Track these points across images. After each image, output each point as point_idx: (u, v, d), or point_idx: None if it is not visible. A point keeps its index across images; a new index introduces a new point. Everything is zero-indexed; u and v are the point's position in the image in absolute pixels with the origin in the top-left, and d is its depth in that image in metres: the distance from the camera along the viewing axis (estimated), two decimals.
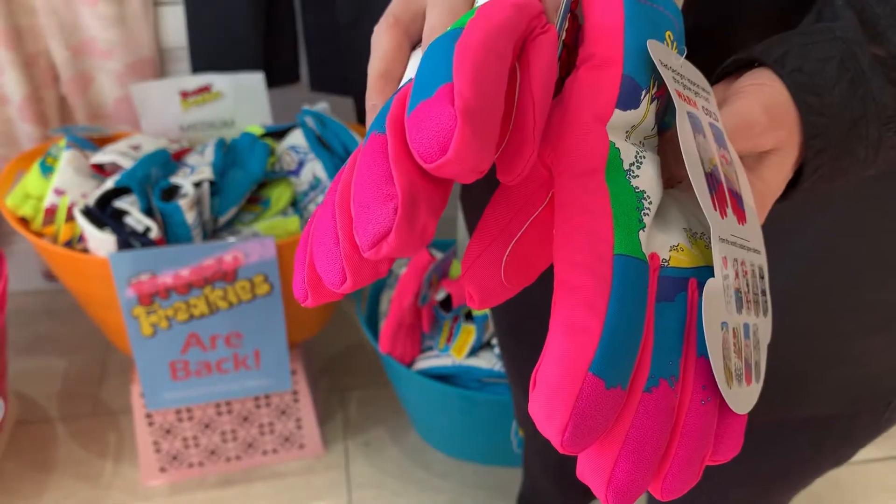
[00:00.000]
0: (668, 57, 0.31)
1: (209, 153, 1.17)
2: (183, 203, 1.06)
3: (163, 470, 1.33)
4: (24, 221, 1.13)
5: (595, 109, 0.30)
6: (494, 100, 0.25)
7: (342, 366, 1.60)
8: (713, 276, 0.28)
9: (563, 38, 0.32)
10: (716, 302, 0.28)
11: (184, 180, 1.10)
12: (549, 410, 0.25)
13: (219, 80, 1.25)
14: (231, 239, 1.12)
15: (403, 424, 1.47)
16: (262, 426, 1.33)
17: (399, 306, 1.24)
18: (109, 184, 1.07)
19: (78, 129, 1.25)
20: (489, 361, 1.27)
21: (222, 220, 1.15)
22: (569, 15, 0.32)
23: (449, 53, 0.26)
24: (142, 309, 1.10)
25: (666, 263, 0.29)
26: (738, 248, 0.30)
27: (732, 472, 0.60)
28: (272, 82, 1.42)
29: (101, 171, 1.16)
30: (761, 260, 0.32)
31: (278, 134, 1.27)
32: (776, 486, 0.66)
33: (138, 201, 1.06)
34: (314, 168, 1.21)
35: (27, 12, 1.30)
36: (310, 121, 1.23)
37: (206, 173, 1.12)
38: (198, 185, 1.11)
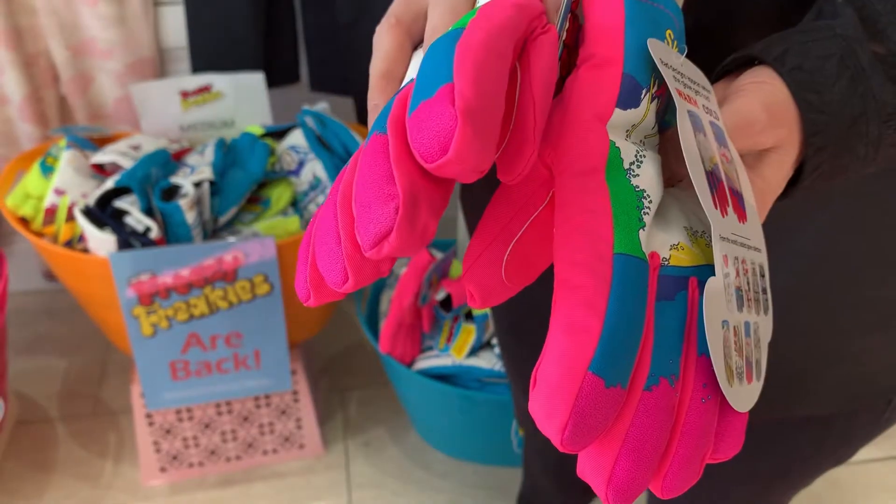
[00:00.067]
0: (669, 56, 0.31)
1: (209, 153, 1.17)
2: (183, 203, 1.06)
3: (163, 470, 1.33)
4: (24, 221, 1.13)
5: (595, 109, 0.30)
6: (495, 100, 0.25)
7: (342, 366, 1.60)
8: (714, 274, 0.28)
9: (564, 38, 0.32)
10: (717, 300, 0.28)
11: (184, 180, 1.10)
12: (549, 409, 0.25)
13: (219, 80, 1.25)
14: (231, 239, 1.12)
15: (403, 424, 1.47)
16: (262, 426, 1.33)
17: (399, 306, 1.24)
18: (109, 184, 1.07)
19: (78, 129, 1.25)
20: (489, 361, 1.27)
21: (222, 220, 1.15)
22: (569, 15, 0.32)
23: (450, 54, 0.26)
24: (142, 309, 1.10)
25: (666, 262, 0.29)
26: (739, 247, 0.30)
27: (733, 470, 0.60)
28: (272, 82, 1.42)
29: (101, 171, 1.16)
30: (762, 258, 0.32)
31: (278, 134, 1.27)
32: (776, 484, 0.66)
33: (138, 201, 1.06)
34: (314, 168, 1.21)
35: (27, 12, 1.30)
36: (310, 121, 1.23)
37: (206, 173, 1.12)
38: (198, 184, 1.11)
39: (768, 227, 0.34)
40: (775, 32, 0.35)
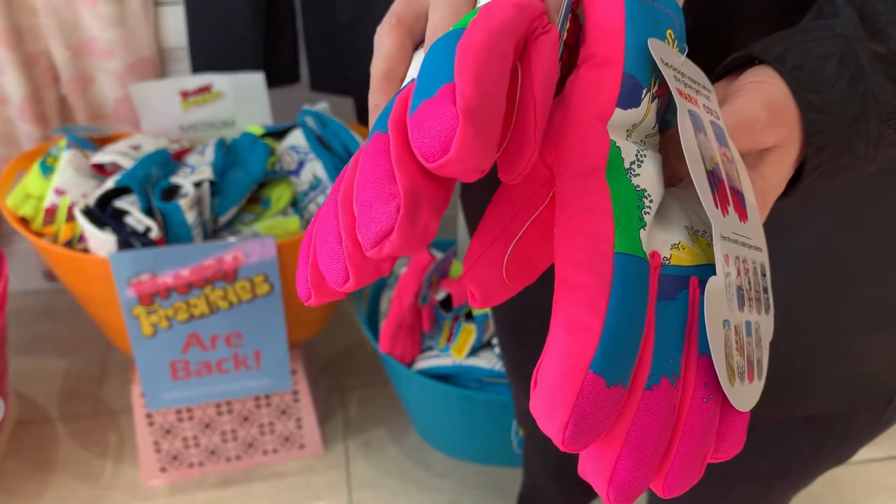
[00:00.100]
0: (669, 55, 0.31)
1: (209, 153, 1.17)
2: (183, 203, 1.06)
3: (163, 470, 1.33)
4: (24, 221, 1.13)
5: (596, 108, 0.30)
6: (496, 99, 0.25)
7: (342, 366, 1.60)
8: (715, 273, 0.28)
9: (565, 37, 0.32)
10: (718, 300, 0.28)
11: (184, 180, 1.10)
12: (550, 409, 0.25)
13: (219, 80, 1.25)
14: (231, 239, 1.12)
15: (403, 424, 1.47)
16: (262, 426, 1.33)
17: (399, 306, 1.24)
18: (110, 184, 1.07)
19: (78, 129, 1.25)
20: (489, 361, 1.27)
21: (222, 219, 1.15)
22: (570, 15, 0.32)
23: (451, 53, 0.26)
24: (142, 309, 1.10)
25: (667, 262, 0.29)
26: (740, 246, 0.30)
27: (733, 470, 0.60)
28: (272, 82, 1.42)
29: (101, 170, 1.16)
30: (763, 257, 0.32)
31: (278, 134, 1.27)
32: (776, 484, 0.66)
33: (138, 201, 1.06)
34: (314, 168, 1.21)
35: (27, 12, 1.30)
36: (310, 121, 1.23)
37: (206, 173, 1.12)
38: (198, 184, 1.11)
39: (769, 226, 0.34)
40: (775, 32, 0.35)
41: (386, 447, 1.43)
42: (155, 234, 1.06)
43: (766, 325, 0.31)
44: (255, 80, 1.25)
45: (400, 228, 0.25)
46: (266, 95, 1.27)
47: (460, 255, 1.47)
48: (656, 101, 0.32)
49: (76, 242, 1.10)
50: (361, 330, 1.65)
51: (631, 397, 0.26)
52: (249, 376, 1.23)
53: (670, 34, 0.32)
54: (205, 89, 1.25)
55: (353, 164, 0.29)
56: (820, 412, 0.58)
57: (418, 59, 0.34)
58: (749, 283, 0.30)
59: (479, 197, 0.64)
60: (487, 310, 1.23)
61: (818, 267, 0.50)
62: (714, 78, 0.37)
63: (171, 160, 1.17)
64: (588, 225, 0.28)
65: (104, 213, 1.06)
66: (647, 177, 0.30)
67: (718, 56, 0.38)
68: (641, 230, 0.28)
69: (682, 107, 0.29)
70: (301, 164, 1.22)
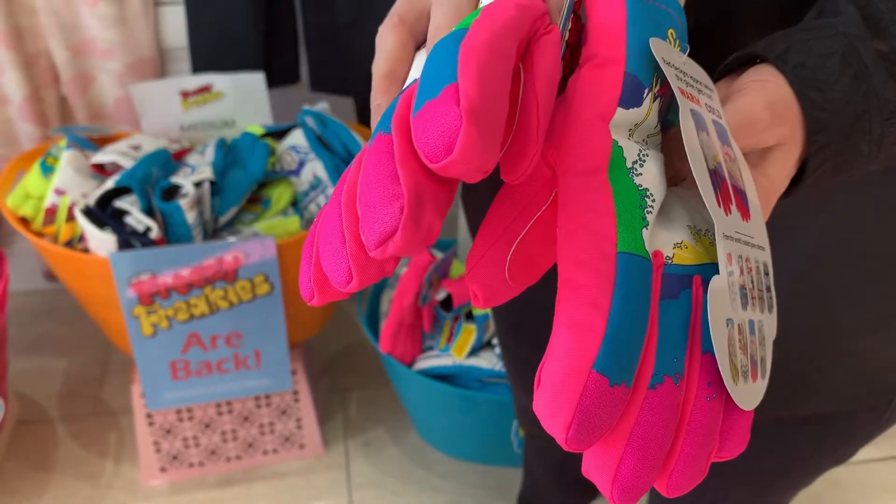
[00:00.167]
0: (671, 55, 0.31)
1: (209, 153, 1.17)
2: (183, 203, 1.06)
3: (163, 470, 1.33)
4: (24, 221, 1.13)
5: (598, 108, 0.30)
6: (499, 100, 0.25)
7: (342, 366, 1.60)
8: (718, 272, 0.29)
9: (567, 38, 0.32)
10: (721, 298, 0.28)
11: (184, 180, 1.10)
12: (553, 408, 0.26)
13: (219, 80, 1.25)
14: (231, 239, 1.12)
15: (404, 424, 1.47)
16: (262, 426, 1.33)
17: (399, 306, 1.24)
18: (110, 184, 1.07)
19: (78, 128, 1.25)
20: (490, 361, 1.27)
21: (223, 219, 1.15)
22: (572, 15, 0.32)
23: (454, 54, 0.26)
24: (142, 309, 1.10)
25: (670, 261, 0.29)
26: (743, 245, 0.30)
27: (733, 470, 0.60)
28: (272, 82, 1.42)
29: (101, 170, 1.16)
30: (766, 256, 0.32)
31: (279, 134, 1.27)
32: (776, 484, 0.66)
33: (139, 201, 1.06)
34: (315, 168, 1.21)
35: (27, 12, 1.30)
36: (310, 121, 1.23)
37: (206, 173, 1.12)
38: (198, 184, 1.11)
39: (771, 225, 0.34)
40: (775, 32, 0.35)
41: (386, 447, 1.43)
42: (155, 234, 1.06)
43: (769, 323, 0.31)
44: (255, 80, 1.25)
45: (404, 229, 0.25)
46: (266, 95, 1.27)
47: (461, 255, 1.47)
48: (658, 100, 0.32)
49: (76, 242, 1.10)
50: (361, 330, 1.65)
51: (634, 396, 0.26)
52: (249, 376, 1.23)
53: (672, 34, 0.32)
54: (205, 89, 1.25)
55: (356, 164, 0.29)
56: (820, 412, 0.58)
57: (420, 59, 0.34)
58: (752, 281, 0.30)
59: (480, 197, 0.64)
60: (488, 310, 1.23)
61: (819, 266, 0.50)
62: (715, 77, 0.37)
63: (171, 160, 1.17)
64: (590, 224, 0.28)
65: (104, 213, 1.06)
66: (650, 176, 0.30)
67: (719, 56, 0.38)
68: (644, 229, 0.28)
69: (684, 106, 0.30)
70: (301, 164, 1.22)
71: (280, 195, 1.20)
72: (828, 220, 0.48)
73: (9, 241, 1.58)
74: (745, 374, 0.28)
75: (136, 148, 1.17)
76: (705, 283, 0.29)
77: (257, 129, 1.25)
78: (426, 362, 1.28)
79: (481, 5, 0.31)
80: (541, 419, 0.26)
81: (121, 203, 1.06)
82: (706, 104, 0.32)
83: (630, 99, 0.30)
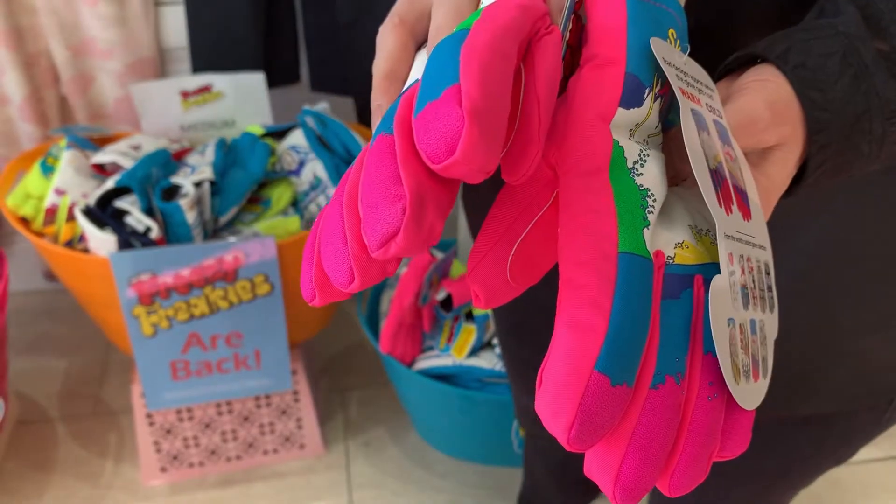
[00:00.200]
0: (672, 55, 0.31)
1: (210, 153, 1.18)
2: (183, 203, 1.06)
3: (163, 470, 1.33)
4: (24, 221, 1.13)
5: (598, 108, 0.30)
6: (501, 101, 0.25)
7: (343, 366, 1.60)
8: (719, 272, 0.29)
9: (567, 38, 0.32)
10: (722, 298, 0.28)
11: (184, 180, 1.10)
12: (555, 408, 0.26)
13: (219, 80, 1.25)
14: (232, 239, 1.12)
15: (404, 424, 1.47)
16: (262, 426, 1.33)
17: (399, 306, 1.24)
18: (110, 184, 1.07)
19: (78, 128, 1.25)
20: (490, 361, 1.27)
21: (223, 219, 1.15)
22: (572, 16, 0.32)
23: (456, 55, 0.26)
24: (142, 309, 1.10)
25: (671, 261, 0.29)
26: (744, 245, 0.30)
27: (734, 469, 0.60)
28: (272, 82, 1.42)
29: (101, 170, 1.16)
30: (767, 256, 0.32)
31: (279, 134, 1.27)
32: (777, 484, 0.66)
33: (139, 201, 1.06)
34: (315, 168, 1.21)
35: (27, 12, 1.30)
36: (310, 121, 1.23)
37: (206, 173, 1.12)
38: (198, 184, 1.11)
39: (771, 225, 0.34)
40: (776, 32, 0.35)
41: (386, 447, 1.43)
42: (155, 234, 1.06)
43: (770, 323, 0.31)
44: (255, 80, 1.25)
45: (406, 230, 0.25)
46: (266, 95, 1.27)
47: (461, 255, 1.47)
48: (659, 100, 0.32)
49: (76, 242, 1.10)
50: (361, 330, 1.65)
51: (636, 396, 0.26)
52: (249, 376, 1.23)
53: (672, 34, 0.32)
54: (205, 89, 1.25)
55: (357, 164, 0.29)
56: (820, 412, 0.58)
57: (420, 59, 0.34)
58: (753, 281, 0.30)
59: (481, 197, 0.64)
60: (488, 310, 1.23)
61: (820, 266, 0.50)
62: (716, 77, 0.37)
63: (171, 160, 1.17)
64: (592, 225, 0.28)
65: (104, 213, 1.06)
66: (651, 176, 0.30)
67: (719, 56, 0.38)
68: (645, 229, 0.28)
69: (684, 106, 0.30)
70: (301, 164, 1.22)
71: (280, 195, 1.20)
72: (828, 220, 0.48)
73: (9, 241, 1.58)
74: (746, 374, 0.28)
75: (137, 148, 1.17)
76: (706, 282, 0.29)
77: (257, 129, 1.25)
78: (426, 362, 1.28)
79: (482, 5, 0.31)
80: (543, 419, 0.26)
81: (121, 203, 1.06)
82: (707, 104, 0.32)
83: (631, 99, 0.30)
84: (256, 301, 1.14)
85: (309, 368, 1.37)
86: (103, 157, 1.14)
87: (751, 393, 0.28)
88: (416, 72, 0.34)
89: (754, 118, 0.33)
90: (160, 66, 1.43)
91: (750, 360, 0.29)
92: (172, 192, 1.10)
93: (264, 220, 1.18)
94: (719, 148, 0.31)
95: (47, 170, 1.13)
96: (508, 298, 0.33)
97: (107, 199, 1.07)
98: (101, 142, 1.26)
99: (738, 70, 0.37)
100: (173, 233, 1.08)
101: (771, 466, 0.64)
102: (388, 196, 0.25)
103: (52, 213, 1.10)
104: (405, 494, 1.35)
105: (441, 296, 1.32)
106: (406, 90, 0.29)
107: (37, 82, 1.35)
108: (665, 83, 0.31)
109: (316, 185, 1.21)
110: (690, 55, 0.33)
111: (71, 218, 1.09)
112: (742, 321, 0.29)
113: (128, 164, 1.11)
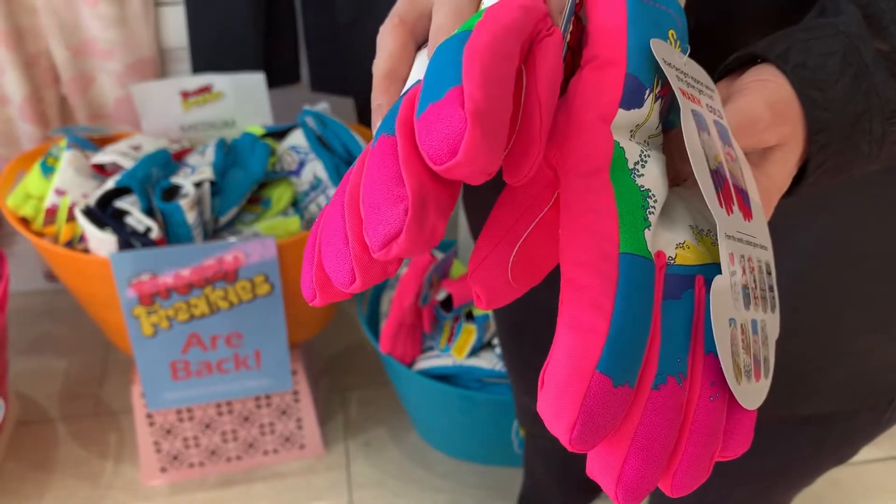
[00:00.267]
0: (672, 55, 0.31)
1: (210, 153, 1.18)
2: (184, 203, 1.06)
3: (163, 470, 1.33)
4: (24, 222, 1.13)
5: (599, 109, 0.30)
6: (503, 102, 0.25)
7: (343, 366, 1.60)
8: (720, 272, 0.29)
9: (568, 39, 0.32)
10: (723, 298, 0.28)
11: (184, 180, 1.10)
12: (557, 409, 0.26)
13: (219, 81, 1.25)
14: (232, 239, 1.12)
15: (404, 424, 1.47)
16: (262, 426, 1.33)
17: (400, 306, 1.24)
18: (110, 184, 1.07)
19: (78, 129, 1.25)
20: (490, 361, 1.27)
21: (223, 220, 1.15)
22: (573, 17, 0.32)
23: (458, 56, 0.26)
24: (142, 309, 1.11)
25: (672, 261, 0.29)
26: (745, 245, 0.30)
27: (735, 469, 0.60)
28: (273, 82, 1.42)
29: (101, 171, 1.16)
30: (768, 256, 0.32)
31: (279, 134, 1.27)
32: (778, 484, 0.66)
33: (139, 201, 1.06)
34: (315, 168, 1.21)
35: (28, 12, 1.30)
36: (310, 121, 1.23)
37: (206, 173, 1.12)
38: (198, 185, 1.11)
39: (772, 225, 0.34)
40: (776, 32, 0.35)
41: (386, 447, 1.43)
42: (155, 234, 1.06)
43: (772, 323, 0.31)
44: (255, 81, 1.25)
45: (408, 231, 0.25)
46: (266, 96, 1.27)
47: (461, 256, 1.47)
48: (659, 101, 0.32)
49: (77, 243, 1.10)
50: (362, 330, 1.65)
51: (638, 397, 0.27)
52: (250, 376, 1.23)
53: (672, 34, 0.32)
54: (205, 89, 1.25)
55: (358, 165, 0.29)
56: (821, 411, 0.58)
57: (421, 59, 0.34)
58: (755, 281, 0.30)
59: (482, 198, 0.64)
60: (489, 310, 1.23)
61: (820, 266, 0.50)
62: (716, 77, 0.37)
63: (171, 160, 1.17)
64: (593, 225, 0.28)
65: (105, 213, 1.06)
66: (651, 177, 0.30)
67: (719, 56, 0.38)
68: (646, 230, 0.28)
69: (685, 107, 0.30)
70: (301, 165, 1.22)
71: (280, 195, 1.20)
72: (828, 220, 0.48)
73: (9, 241, 1.58)
74: (748, 374, 0.29)
75: (137, 148, 1.17)
76: (708, 283, 0.29)
77: (257, 130, 1.25)
78: (426, 362, 1.28)
79: (483, 6, 0.31)
80: (545, 420, 0.26)
81: (121, 203, 1.06)
82: (707, 104, 0.32)
83: (631, 100, 0.30)
84: (256, 301, 1.14)
85: (309, 368, 1.37)
86: (103, 157, 1.14)
87: (752, 393, 0.29)
88: (417, 72, 0.34)
89: (755, 118, 0.33)
90: (160, 67, 1.43)
91: (751, 360, 0.29)
92: (173, 192, 1.10)
93: (264, 221, 1.18)
94: (720, 148, 0.31)
95: (47, 170, 1.13)
96: (510, 299, 0.33)
97: (107, 199, 1.07)
98: (101, 142, 1.26)
99: (739, 70, 0.37)
100: (173, 233, 1.08)
101: (772, 466, 0.64)
102: (390, 197, 0.25)
103: (52, 213, 1.10)
104: (405, 494, 1.35)
105: (441, 296, 1.32)
106: (408, 91, 0.29)
107: (37, 82, 1.35)
108: (665, 84, 0.32)
109: (316, 185, 1.21)
110: (690, 55, 0.33)
111: (71, 218, 1.09)
112: (743, 321, 0.29)
113: (128, 164, 1.11)
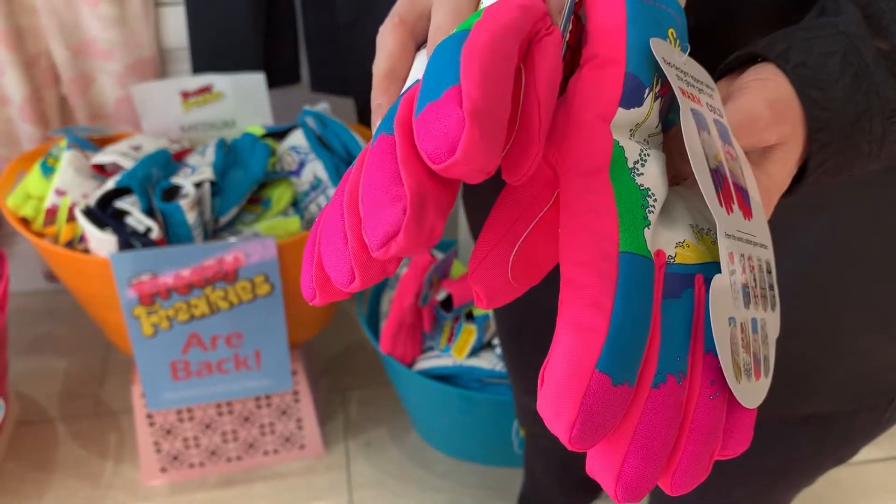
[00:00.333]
0: (672, 54, 0.31)
1: (210, 153, 1.18)
2: (184, 203, 1.06)
3: (163, 470, 1.33)
4: (25, 222, 1.13)
5: (598, 108, 0.30)
6: (502, 101, 0.25)
7: (343, 366, 1.60)
8: (720, 271, 0.29)
9: (567, 39, 0.32)
10: (723, 297, 0.28)
11: (185, 180, 1.10)
12: (557, 408, 0.26)
13: (219, 81, 1.25)
14: (232, 239, 1.12)
15: (404, 425, 1.47)
16: (262, 426, 1.33)
17: (400, 306, 1.24)
18: (110, 184, 1.07)
19: (79, 129, 1.25)
20: (490, 362, 1.27)
21: (223, 220, 1.15)
22: (572, 16, 0.32)
23: (456, 55, 0.26)
24: (143, 309, 1.11)
25: (672, 260, 0.29)
26: (745, 244, 0.30)
27: (735, 468, 0.60)
28: (273, 83, 1.42)
29: (101, 171, 1.16)
30: (768, 255, 0.32)
31: (279, 134, 1.27)
32: (778, 483, 0.66)
33: (139, 201, 1.06)
34: (315, 168, 1.21)
35: (28, 12, 1.30)
36: (310, 121, 1.23)
37: (206, 173, 1.12)
38: (199, 185, 1.11)
39: (772, 224, 0.34)
40: (776, 31, 0.35)
41: (386, 447, 1.43)
42: (155, 234, 1.06)
43: (772, 322, 0.31)
44: (255, 81, 1.25)
45: (407, 230, 0.25)
46: (266, 96, 1.27)
47: (461, 256, 1.47)
48: (659, 100, 0.32)
49: (77, 243, 1.10)
50: (362, 330, 1.65)
51: (638, 396, 0.27)
52: (250, 376, 1.23)
53: (672, 33, 0.32)
54: (205, 90, 1.25)
55: (357, 165, 0.29)
56: (821, 411, 0.58)
57: (420, 59, 0.34)
58: (755, 280, 0.30)
59: (481, 198, 0.64)
60: (489, 310, 1.23)
61: (820, 265, 0.50)
62: (716, 76, 0.37)
63: (171, 160, 1.17)
64: (592, 225, 0.28)
65: (105, 213, 1.06)
66: (651, 176, 0.30)
67: (719, 55, 0.38)
68: (646, 229, 0.28)
69: (684, 106, 0.30)
70: (302, 165, 1.22)
71: (280, 195, 1.20)
72: (828, 220, 0.48)
73: (9, 241, 1.58)
74: (747, 373, 0.29)
75: (137, 148, 1.17)
76: (707, 282, 0.29)
77: (258, 130, 1.25)
78: (426, 362, 1.28)
79: (482, 6, 0.31)
80: (544, 419, 0.26)
81: (121, 203, 1.06)
82: (707, 103, 0.32)
83: (631, 99, 0.30)
84: (256, 301, 1.14)
85: (309, 369, 1.37)
86: (103, 157, 1.14)
87: (752, 392, 0.29)
88: (417, 72, 0.34)
89: (755, 117, 0.33)
90: (160, 67, 1.43)
91: (751, 358, 0.29)
92: (173, 192, 1.10)
93: (264, 221, 1.18)
94: (720, 147, 0.31)
95: (48, 170, 1.13)
96: (510, 299, 0.33)
97: (107, 199, 1.07)
98: (101, 142, 1.26)
99: (739, 69, 0.37)
100: (174, 233, 1.08)
101: (772, 465, 0.64)
102: (388, 196, 0.25)
103: (52, 213, 1.10)
104: (405, 495, 1.35)
105: (441, 296, 1.32)
106: (407, 90, 0.30)
107: (37, 82, 1.36)
108: (665, 83, 0.32)
109: (316, 185, 1.21)
110: (690, 55, 0.33)
111: (71, 218, 1.09)
112: (743, 320, 0.29)
113: (128, 164, 1.11)
